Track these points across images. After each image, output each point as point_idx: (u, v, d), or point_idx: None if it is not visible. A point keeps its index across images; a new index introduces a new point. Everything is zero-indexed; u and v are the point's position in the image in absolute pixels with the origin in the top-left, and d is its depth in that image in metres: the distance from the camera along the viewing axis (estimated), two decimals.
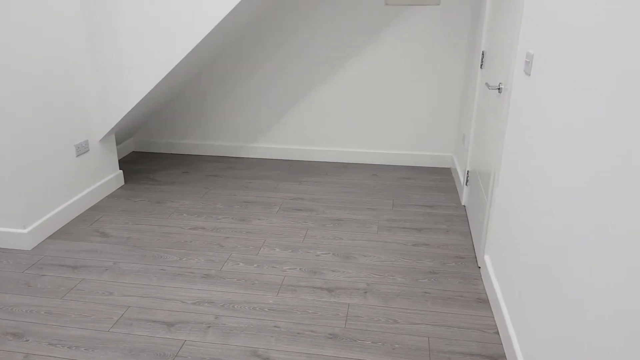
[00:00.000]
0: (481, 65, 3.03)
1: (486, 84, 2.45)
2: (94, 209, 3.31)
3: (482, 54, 3.01)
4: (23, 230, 2.77)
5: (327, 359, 1.98)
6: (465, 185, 3.32)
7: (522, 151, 1.94)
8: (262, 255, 2.76)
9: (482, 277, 2.52)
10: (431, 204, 3.41)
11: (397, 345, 2.06)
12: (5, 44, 2.54)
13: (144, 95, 3.26)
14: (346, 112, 4.06)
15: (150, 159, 4.27)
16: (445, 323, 2.20)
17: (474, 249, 2.80)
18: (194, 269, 2.62)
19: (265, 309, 2.29)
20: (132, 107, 3.32)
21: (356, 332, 2.14)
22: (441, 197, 3.51)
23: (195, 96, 4.21)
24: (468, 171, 3.26)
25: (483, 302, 2.35)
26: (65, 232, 3.00)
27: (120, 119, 3.36)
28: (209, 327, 2.17)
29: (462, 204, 3.39)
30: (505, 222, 2.15)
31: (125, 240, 2.91)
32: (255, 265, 2.66)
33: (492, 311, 2.27)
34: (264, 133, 4.23)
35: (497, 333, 2.13)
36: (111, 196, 3.51)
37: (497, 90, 2.43)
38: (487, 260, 2.47)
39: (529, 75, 1.90)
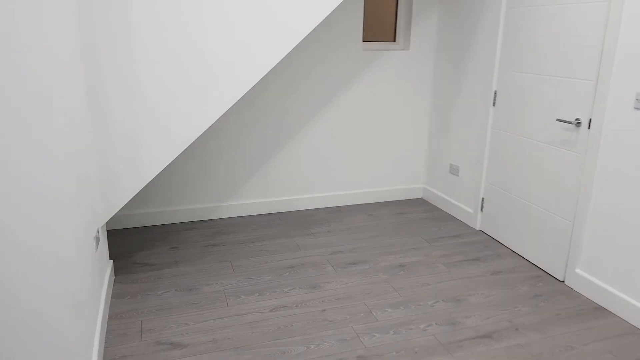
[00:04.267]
0: (494, 103, 3.38)
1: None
2: (116, 318, 2.54)
3: (495, 93, 3.36)
4: None
5: None
6: (480, 212, 3.61)
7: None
8: (383, 320, 2.55)
9: (577, 289, 2.82)
10: (453, 234, 3.60)
11: None
12: None
13: (163, 167, 2.67)
14: (328, 156, 3.98)
15: (113, 237, 3.41)
16: (599, 335, 2.42)
17: (540, 267, 3.10)
18: (336, 354, 2.28)
19: None
20: (146, 182, 2.68)
21: None
22: (452, 226, 3.73)
23: None
24: (483, 198, 3.56)
25: (600, 309, 2.64)
26: None
27: (130, 198, 2.67)
28: None
29: (477, 228, 3.66)
30: (602, 235, 2.49)
31: (213, 345, 2.33)
32: (391, 332, 2.45)
33: (614, 313, 2.58)
34: (236, 190, 3.81)
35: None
36: (117, 296, 2.73)
37: (573, 125, 2.77)
38: (580, 272, 2.78)
39: None
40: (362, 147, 4.05)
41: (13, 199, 1.19)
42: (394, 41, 4.03)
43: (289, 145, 3.84)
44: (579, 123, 2.72)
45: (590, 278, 2.74)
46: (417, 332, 2.44)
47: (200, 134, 2.67)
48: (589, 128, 2.67)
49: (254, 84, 2.76)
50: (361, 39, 3.82)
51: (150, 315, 2.55)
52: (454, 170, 3.89)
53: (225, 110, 2.62)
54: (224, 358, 2.23)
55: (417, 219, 3.87)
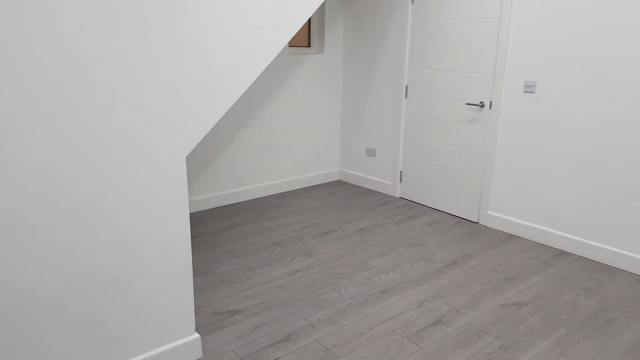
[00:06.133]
0: (406, 95, 4.30)
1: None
2: None
3: (406, 87, 4.29)
4: None
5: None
6: (400, 182, 4.51)
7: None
8: (378, 266, 3.24)
9: (490, 225, 3.88)
10: (383, 202, 4.44)
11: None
12: None
13: None
14: (264, 149, 4.48)
15: None
16: (519, 251, 3.48)
17: (459, 216, 4.10)
18: (364, 293, 2.90)
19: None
20: None
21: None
22: (378, 197, 4.57)
23: None
24: (401, 171, 4.48)
25: (511, 235, 3.73)
26: None
27: None
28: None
29: (398, 196, 4.57)
30: (505, 183, 3.60)
31: (264, 305, 2.75)
32: (390, 272, 3.16)
33: (521, 237, 3.69)
34: (189, 187, 4.10)
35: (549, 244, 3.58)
36: None
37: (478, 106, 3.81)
38: (491, 213, 3.85)
39: None
40: (289, 139, 4.63)
41: None
42: (309, 46, 4.70)
43: (231, 142, 4.23)
44: (483, 105, 3.76)
45: (500, 215, 3.81)
46: (407, 269, 3.19)
47: None
48: (490, 108, 3.72)
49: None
50: (287, 45, 4.41)
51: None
52: (370, 153, 4.72)
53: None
54: (282, 312, 2.68)
55: (348, 195, 4.61)
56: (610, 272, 3.17)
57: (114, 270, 1.89)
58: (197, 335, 2.24)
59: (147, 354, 2.07)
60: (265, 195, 4.58)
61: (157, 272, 2.01)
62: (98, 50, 1.67)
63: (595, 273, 3.15)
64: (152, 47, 1.79)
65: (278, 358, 2.29)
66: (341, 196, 4.60)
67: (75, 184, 1.72)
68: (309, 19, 4.65)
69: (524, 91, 3.50)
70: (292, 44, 4.59)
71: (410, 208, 4.30)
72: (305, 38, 4.68)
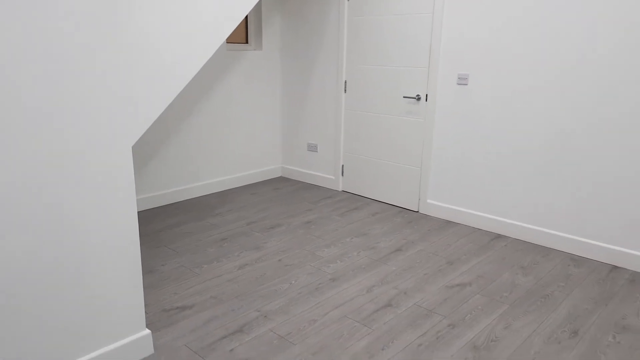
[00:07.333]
0: (345, 90, 4.38)
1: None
2: None
3: (345, 82, 4.37)
4: None
5: None
6: (342, 176, 4.59)
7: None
8: (326, 256, 3.27)
9: (430, 214, 4.03)
10: (326, 196, 4.49)
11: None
12: None
13: None
14: (205, 147, 4.41)
15: None
16: (458, 236, 3.64)
17: (400, 206, 4.23)
18: (314, 282, 2.93)
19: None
20: None
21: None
22: (321, 191, 4.62)
23: None
24: (343, 165, 4.55)
25: (450, 222, 3.90)
26: None
27: None
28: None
29: (340, 190, 4.64)
30: (442, 173, 3.78)
31: (214, 300, 2.72)
32: (338, 262, 3.21)
33: (460, 223, 3.86)
34: None
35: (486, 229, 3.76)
36: None
37: (415, 99, 3.94)
38: (430, 202, 4.01)
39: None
40: (230, 136, 4.59)
41: None
42: (247, 42, 4.68)
43: (170, 140, 4.13)
44: (419, 98, 3.90)
45: (439, 204, 3.97)
46: (355, 257, 3.25)
47: None
48: (426, 100, 3.87)
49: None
50: (225, 41, 4.37)
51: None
52: (312, 148, 4.76)
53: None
54: (233, 305, 2.65)
55: (292, 191, 4.63)
56: (544, 251, 3.38)
57: (60, 265, 1.80)
58: (147, 331, 2.18)
59: (98, 352, 1.99)
60: (207, 194, 4.50)
61: (105, 265, 1.94)
62: (39, 39, 1.59)
63: (530, 253, 3.35)
64: (94, 36, 1.72)
65: (233, 349, 2.26)
66: (285, 192, 4.61)
67: (17, 174, 1.63)
68: (246, 16, 4.62)
69: (458, 83, 3.66)
70: (230, 40, 4.55)
71: (353, 200, 4.38)
72: (243, 34, 4.66)
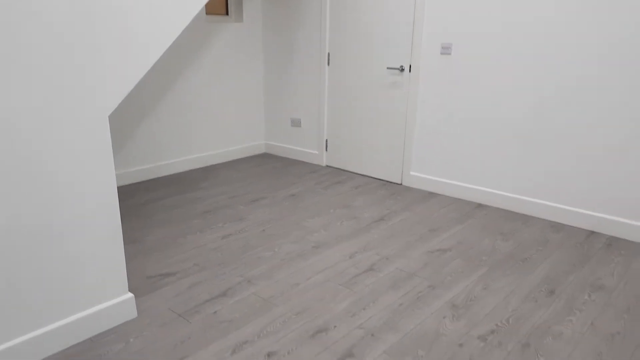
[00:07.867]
0: (328, 63, 4.38)
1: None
2: None
3: (328, 54, 4.36)
4: None
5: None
6: (326, 151, 4.60)
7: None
8: (311, 226, 3.30)
9: (413, 185, 4.07)
10: (310, 170, 4.50)
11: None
12: None
13: None
14: (186, 122, 4.39)
15: None
16: (441, 205, 3.69)
17: (383, 179, 4.26)
18: (298, 249, 2.95)
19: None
20: None
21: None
22: (305, 166, 4.63)
23: None
24: (327, 140, 4.56)
25: (433, 193, 3.94)
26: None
27: None
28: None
29: (325, 165, 4.65)
30: (425, 145, 3.81)
31: (197, 267, 2.74)
32: (322, 231, 3.23)
33: (442, 194, 3.91)
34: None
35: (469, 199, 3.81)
36: None
37: (399, 70, 3.95)
38: (413, 174, 4.04)
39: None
40: (212, 111, 4.56)
41: None
42: (227, 14, 4.63)
43: (151, 113, 4.11)
44: (403, 69, 3.91)
45: (421, 175, 4.00)
46: (338, 227, 3.27)
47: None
48: (410, 71, 3.88)
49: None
50: (204, 12, 4.33)
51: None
52: (295, 123, 4.76)
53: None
54: (217, 271, 2.66)
55: (277, 166, 4.63)
56: (524, 219, 3.44)
57: (43, 226, 1.79)
58: (130, 294, 2.19)
59: (80, 314, 2.00)
60: (189, 169, 4.49)
61: (86, 227, 1.94)
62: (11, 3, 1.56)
63: (510, 221, 3.41)
64: (65, 3, 1.70)
65: (216, 311, 2.28)
66: (268, 167, 4.61)
67: None
68: None
69: (441, 53, 3.67)
70: (210, 11, 4.50)
71: (337, 174, 4.40)
72: (222, 6, 4.61)
